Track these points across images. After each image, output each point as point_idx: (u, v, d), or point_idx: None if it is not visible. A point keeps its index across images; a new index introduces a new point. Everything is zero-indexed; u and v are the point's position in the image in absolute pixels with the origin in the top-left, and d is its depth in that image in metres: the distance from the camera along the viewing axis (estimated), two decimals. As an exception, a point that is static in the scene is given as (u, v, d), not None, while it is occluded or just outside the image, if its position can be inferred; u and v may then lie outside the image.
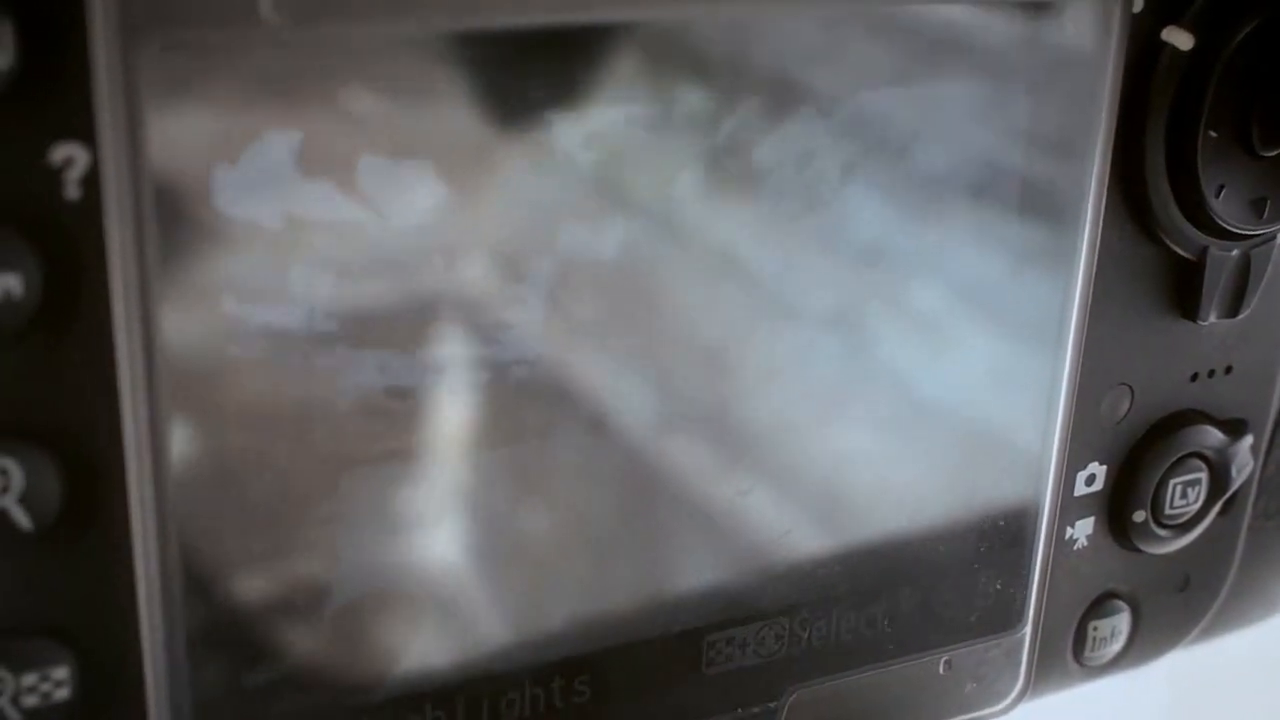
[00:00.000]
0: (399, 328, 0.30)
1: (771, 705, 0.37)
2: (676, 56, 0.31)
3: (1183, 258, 0.39)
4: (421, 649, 0.32)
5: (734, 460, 0.34)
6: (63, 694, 0.29)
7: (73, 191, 0.26)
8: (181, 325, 0.28)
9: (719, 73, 0.31)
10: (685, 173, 0.32)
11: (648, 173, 0.31)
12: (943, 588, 0.39)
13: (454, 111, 0.29)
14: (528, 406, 0.32)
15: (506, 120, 0.30)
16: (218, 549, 0.30)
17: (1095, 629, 0.43)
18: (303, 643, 0.31)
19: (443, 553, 0.32)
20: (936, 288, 0.35)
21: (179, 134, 0.27)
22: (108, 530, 0.28)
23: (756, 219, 0.33)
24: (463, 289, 0.30)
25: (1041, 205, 0.36)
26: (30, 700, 0.28)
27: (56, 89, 0.26)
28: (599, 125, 0.30)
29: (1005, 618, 0.40)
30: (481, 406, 0.31)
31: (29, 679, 0.28)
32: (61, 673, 0.29)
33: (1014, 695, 0.41)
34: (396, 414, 0.30)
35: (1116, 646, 0.43)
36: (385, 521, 0.31)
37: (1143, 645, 0.44)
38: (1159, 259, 0.39)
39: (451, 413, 0.31)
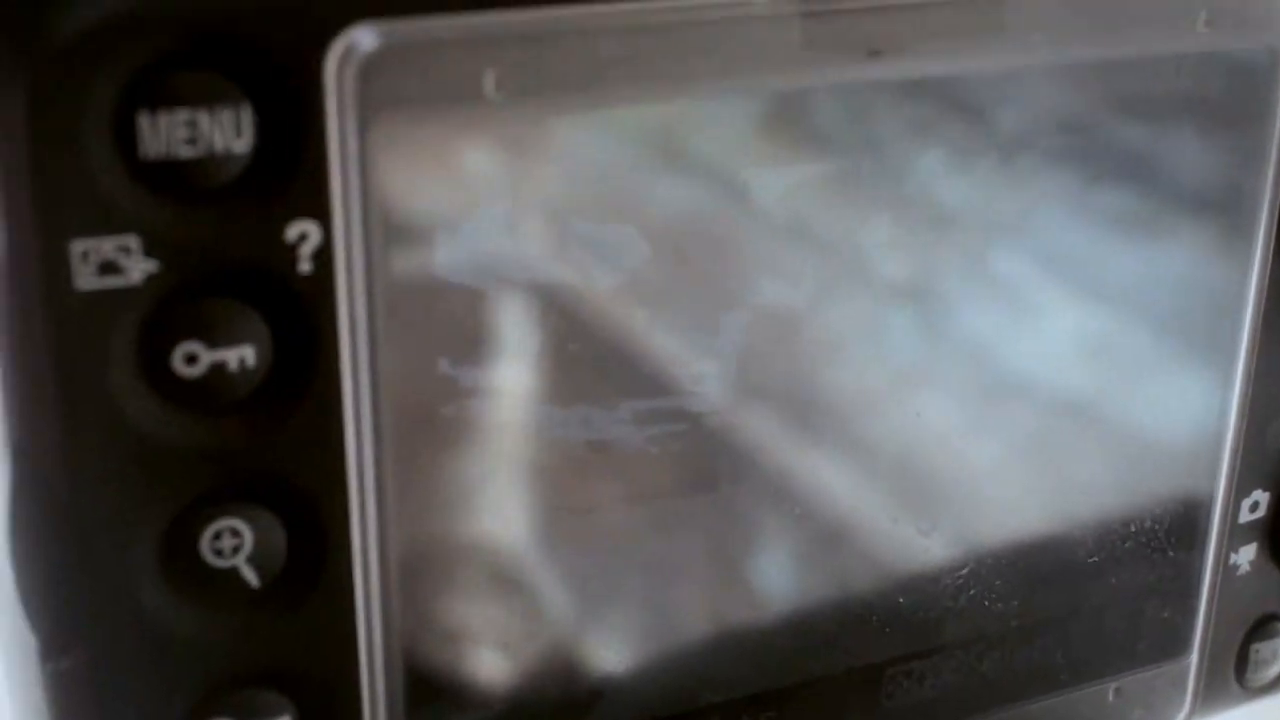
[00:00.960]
0: (602, 383, 0.31)
1: (949, 737, 0.38)
2: (872, 112, 0.31)
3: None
4: (618, 691, 0.33)
5: (919, 504, 0.35)
6: (287, 746, 0.30)
7: (305, 265, 0.27)
8: (403, 389, 0.28)
9: (912, 125, 0.32)
10: (873, 221, 0.32)
11: (838, 223, 0.32)
12: (1113, 617, 0.39)
13: (659, 177, 0.30)
14: (721, 454, 0.33)
15: (708, 180, 0.30)
16: (435, 603, 0.30)
17: (1257, 651, 0.43)
18: (512, 690, 0.32)
19: (639, 599, 0.33)
20: (1113, 318, 0.36)
21: (405, 208, 0.27)
22: (331, 587, 0.29)
23: (946, 263, 0.33)
24: (662, 342, 0.31)
25: (1216, 236, 0.36)
26: (256, 749, 0.29)
27: (291, 169, 0.26)
28: (797, 181, 0.31)
29: (1173, 645, 0.41)
30: (676, 456, 0.32)
31: None
32: None
33: (1180, 720, 0.42)
34: (597, 466, 0.31)
35: (1277, 668, 0.44)
36: (588, 570, 0.32)
37: (1303, 666, 0.44)
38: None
39: (647, 463, 0.32)
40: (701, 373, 0.31)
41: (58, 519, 0.27)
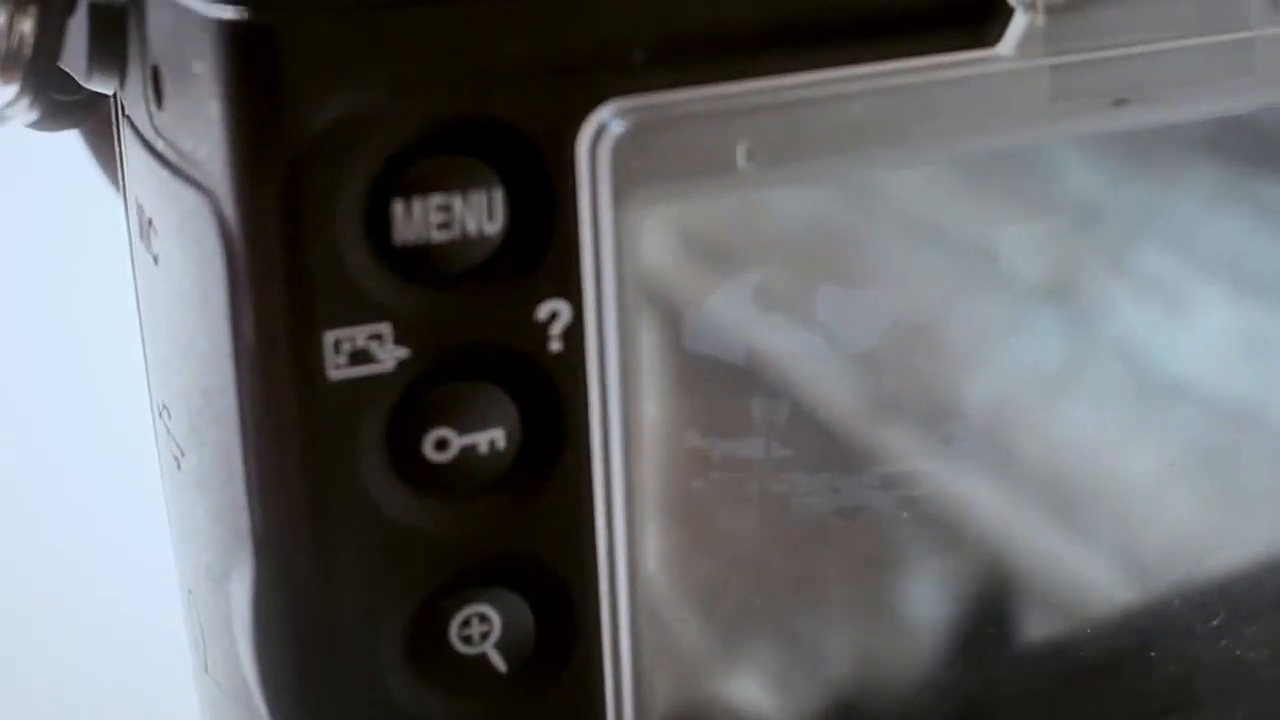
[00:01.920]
0: (850, 448, 0.30)
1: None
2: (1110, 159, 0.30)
3: None
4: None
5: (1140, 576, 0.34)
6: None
7: (555, 344, 0.26)
8: (653, 466, 0.28)
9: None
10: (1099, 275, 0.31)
11: (1074, 278, 0.31)
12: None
13: (902, 240, 0.29)
14: (965, 520, 0.31)
15: (955, 240, 0.29)
16: (684, 683, 0.30)
17: None
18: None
19: (886, 669, 0.32)
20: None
21: (655, 283, 0.27)
22: (580, 669, 0.29)
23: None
24: (912, 404, 0.30)
25: None
26: None
27: (542, 249, 0.26)
28: (1042, 236, 0.30)
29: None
30: (921, 519, 0.31)
31: None
32: None
33: None
34: (844, 533, 0.30)
35: None
36: (835, 641, 0.31)
37: None
38: None
39: (892, 527, 0.31)
40: (951, 432, 0.30)
41: (306, 613, 0.27)
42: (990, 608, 0.33)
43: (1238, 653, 0.35)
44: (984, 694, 0.34)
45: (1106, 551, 0.34)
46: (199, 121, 0.25)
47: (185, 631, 0.30)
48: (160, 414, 0.29)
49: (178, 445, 0.28)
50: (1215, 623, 0.35)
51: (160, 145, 0.26)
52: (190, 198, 0.25)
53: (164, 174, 0.26)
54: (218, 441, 0.26)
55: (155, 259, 0.27)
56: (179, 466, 0.29)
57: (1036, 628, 0.34)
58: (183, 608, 0.30)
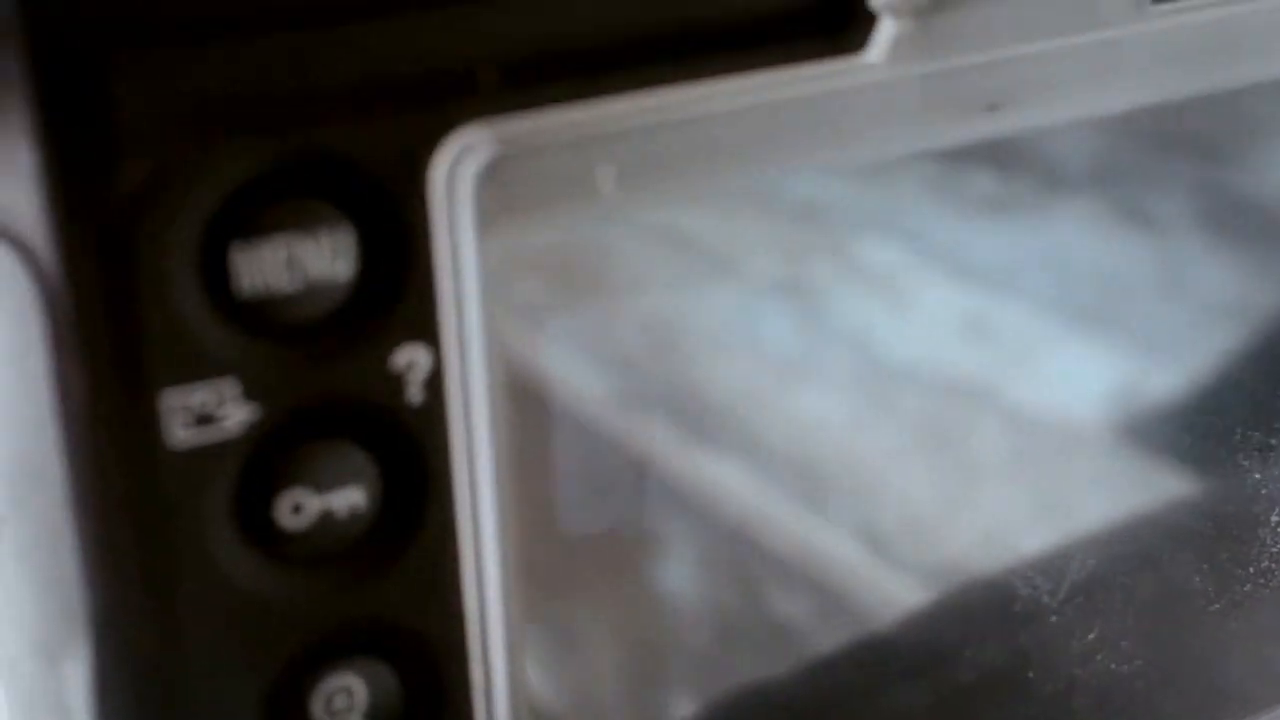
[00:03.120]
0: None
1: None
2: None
3: None
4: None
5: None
6: None
7: (415, 395, 0.24)
8: (523, 524, 0.26)
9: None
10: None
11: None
12: (1235, 665, 0.37)
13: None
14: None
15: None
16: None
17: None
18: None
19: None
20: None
21: (521, 322, 0.25)
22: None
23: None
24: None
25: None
26: None
27: (396, 291, 0.24)
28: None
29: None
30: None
31: None
32: None
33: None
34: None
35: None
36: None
37: None
38: None
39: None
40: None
41: (153, 697, 0.24)
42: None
43: (1112, 666, 0.34)
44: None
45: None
46: (8, 171, 0.22)
47: (7, 702, 0.28)
48: None
49: (-3, 511, 0.26)
50: (1091, 636, 0.34)
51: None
52: (2, 254, 0.23)
53: (-30, 230, 0.24)
54: (43, 512, 0.24)
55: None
56: (-1, 535, 0.26)
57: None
58: (1, 679, 0.28)
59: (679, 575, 0.29)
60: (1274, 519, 0.36)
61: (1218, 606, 0.36)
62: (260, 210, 0.23)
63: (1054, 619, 0.33)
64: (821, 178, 0.29)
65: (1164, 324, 0.34)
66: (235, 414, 0.23)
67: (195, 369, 0.23)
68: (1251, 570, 0.36)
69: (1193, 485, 0.35)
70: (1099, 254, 0.33)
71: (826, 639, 0.32)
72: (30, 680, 0.26)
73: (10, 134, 0.22)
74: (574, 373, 0.28)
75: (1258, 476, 0.35)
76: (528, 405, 0.25)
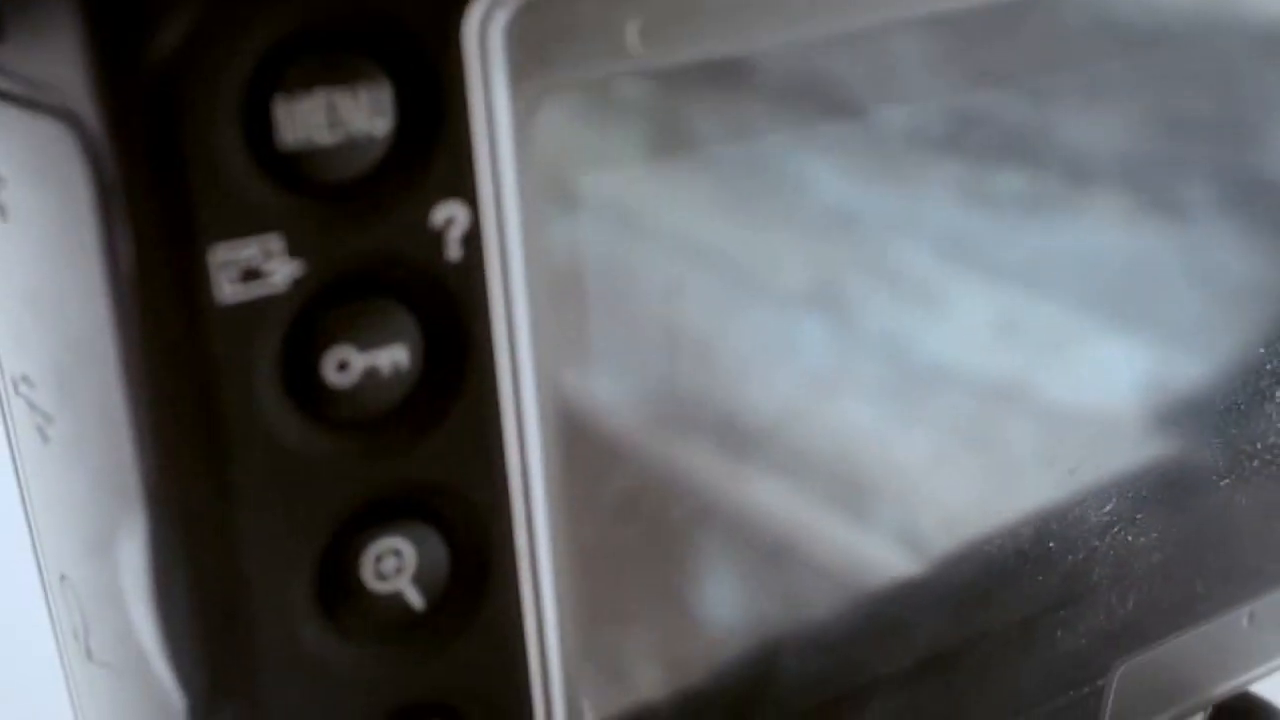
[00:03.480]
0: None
1: (1100, 683, 0.36)
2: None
3: None
4: (792, 675, 0.31)
5: (1062, 439, 0.33)
6: (456, 773, 0.27)
7: (454, 252, 0.25)
8: (568, 381, 0.26)
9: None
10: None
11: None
12: (1245, 540, 0.37)
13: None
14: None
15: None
16: (608, 616, 0.28)
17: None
18: (688, 693, 0.29)
19: (804, 579, 0.31)
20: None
21: (554, 178, 0.25)
22: (498, 601, 0.27)
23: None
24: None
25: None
26: (427, 780, 0.27)
27: (433, 147, 0.24)
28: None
29: (1300, 562, 0.39)
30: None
31: None
32: None
33: (1311, 639, 0.40)
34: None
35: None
36: (755, 551, 0.30)
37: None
38: None
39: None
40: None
41: (207, 563, 0.25)
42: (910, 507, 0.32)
43: (1129, 539, 0.35)
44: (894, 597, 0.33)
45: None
46: (51, 40, 0.23)
47: (56, 628, 0.28)
48: (16, 388, 0.27)
49: (43, 415, 0.26)
50: (1107, 509, 0.34)
51: (4, 84, 0.24)
52: (46, 128, 0.23)
53: (12, 112, 0.24)
54: (94, 396, 0.24)
55: (3, 213, 0.25)
56: (45, 439, 0.26)
57: (941, 525, 0.33)
58: (51, 603, 0.28)
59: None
60: (1279, 394, 0.37)
61: (1228, 481, 0.36)
62: (299, 65, 0.23)
63: (1071, 492, 0.34)
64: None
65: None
66: (281, 269, 0.23)
67: (242, 224, 0.23)
68: (1259, 446, 0.36)
69: (1201, 363, 0.36)
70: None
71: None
72: (82, 583, 0.27)
73: (52, 5, 0.22)
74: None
75: (1262, 351, 0.36)
76: (564, 275, 0.26)
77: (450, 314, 0.25)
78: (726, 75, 0.26)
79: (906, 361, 0.32)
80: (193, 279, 0.23)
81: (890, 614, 0.32)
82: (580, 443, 0.27)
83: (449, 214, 0.24)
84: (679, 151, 0.27)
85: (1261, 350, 0.36)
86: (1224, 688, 0.39)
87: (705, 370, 0.29)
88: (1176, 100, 0.33)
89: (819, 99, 0.29)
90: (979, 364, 0.33)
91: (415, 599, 0.26)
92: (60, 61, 0.23)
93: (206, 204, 0.23)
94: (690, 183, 0.28)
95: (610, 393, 0.27)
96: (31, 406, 0.26)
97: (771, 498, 0.31)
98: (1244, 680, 0.39)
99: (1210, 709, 0.40)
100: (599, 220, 0.26)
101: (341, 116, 0.23)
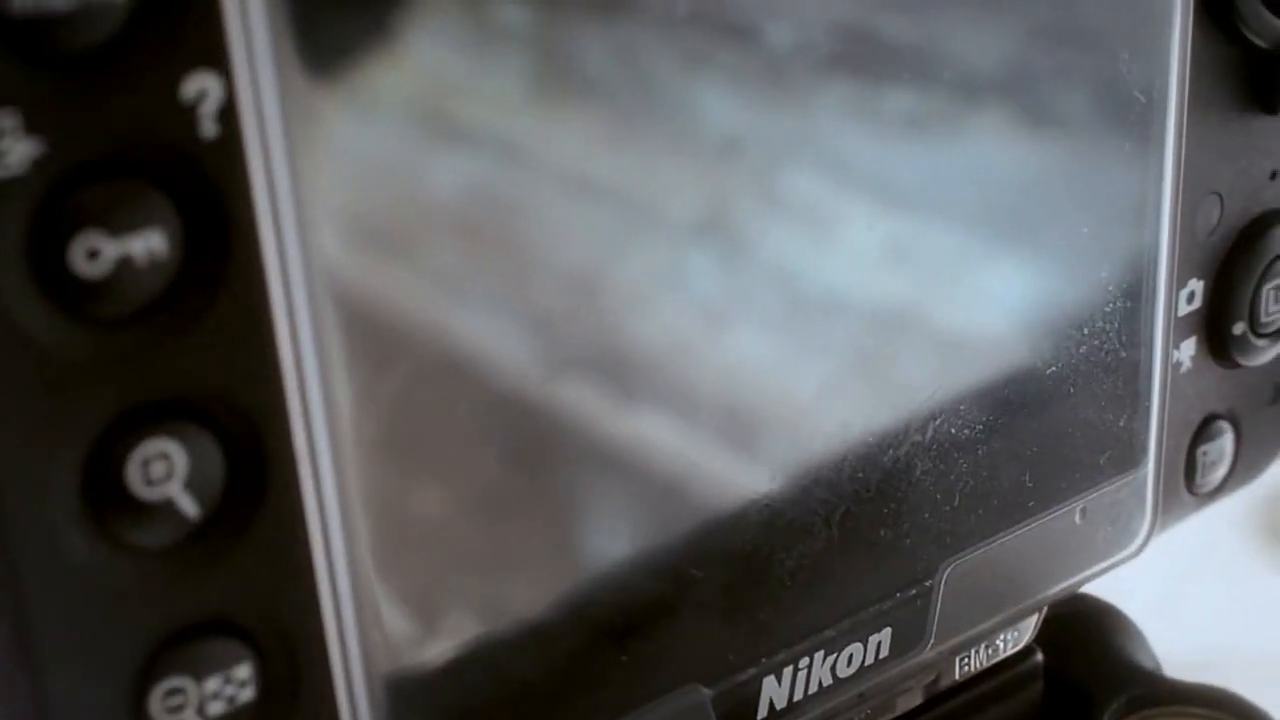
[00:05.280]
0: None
1: (927, 584, 0.35)
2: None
3: (1261, 50, 0.37)
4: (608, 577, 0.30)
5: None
6: (247, 694, 0.26)
7: (208, 128, 0.23)
8: (340, 264, 0.24)
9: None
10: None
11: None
12: (1074, 431, 0.37)
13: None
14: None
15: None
16: (400, 512, 0.26)
17: (1205, 454, 0.41)
18: (485, 613, 0.28)
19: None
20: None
21: (312, 41, 0.23)
22: (279, 507, 0.26)
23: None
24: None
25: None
26: (215, 707, 0.25)
27: (182, 13, 0.22)
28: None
29: (1131, 455, 0.38)
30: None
31: (212, 684, 0.25)
32: (244, 671, 0.26)
33: (1144, 535, 0.40)
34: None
35: (1223, 470, 0.42)
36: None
37: (1244, 465, 0.42)
38: (1236, 55, 0.37)
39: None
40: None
41: None
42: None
43: (953, 431, 0.34)
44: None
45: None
46: None
47: None
48: None
49: None
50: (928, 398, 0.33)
51: None
52: None
53: None
54: None
55: None
56: None
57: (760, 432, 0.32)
58: None
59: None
60: (1103, 276, 0.36)
61: (1054, 369, 0.35)
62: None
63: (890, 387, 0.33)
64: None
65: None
66: (17, 149, 0.22)
67: None
68: (1085, 331, 0.35)
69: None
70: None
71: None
72: None
73: None
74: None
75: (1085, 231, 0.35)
76: (332, 138, 0.24)
77: (209, 197, 0.24)
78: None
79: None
80: None
81: (711, 516, 0.31)
82: (358, 329, 0.25)
83: (201, 85, 0.23)
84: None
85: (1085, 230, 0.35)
86: (1057, 588, 0.38)
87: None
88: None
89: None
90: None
91: (188, 506, 0.24)
92: None
93: None
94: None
95: (398, 280, 0.26)
96: None
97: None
98: (1078, 580, 0.39)
99: (1044, 610, 0.39)
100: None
101: (74, -25, 0.21)
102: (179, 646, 0.25)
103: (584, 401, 0.29)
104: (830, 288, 0.32)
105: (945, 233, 0.32)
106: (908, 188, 0.32)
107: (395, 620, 0.27)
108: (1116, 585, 0.42)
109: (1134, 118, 0.35)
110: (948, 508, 0.34)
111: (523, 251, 0.27)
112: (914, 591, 0.35)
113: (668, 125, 0.29)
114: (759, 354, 0.31)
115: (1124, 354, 0.36)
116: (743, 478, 0.31)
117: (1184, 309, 0.38)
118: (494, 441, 0.28)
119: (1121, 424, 0.37)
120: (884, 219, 0.32)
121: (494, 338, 0.27)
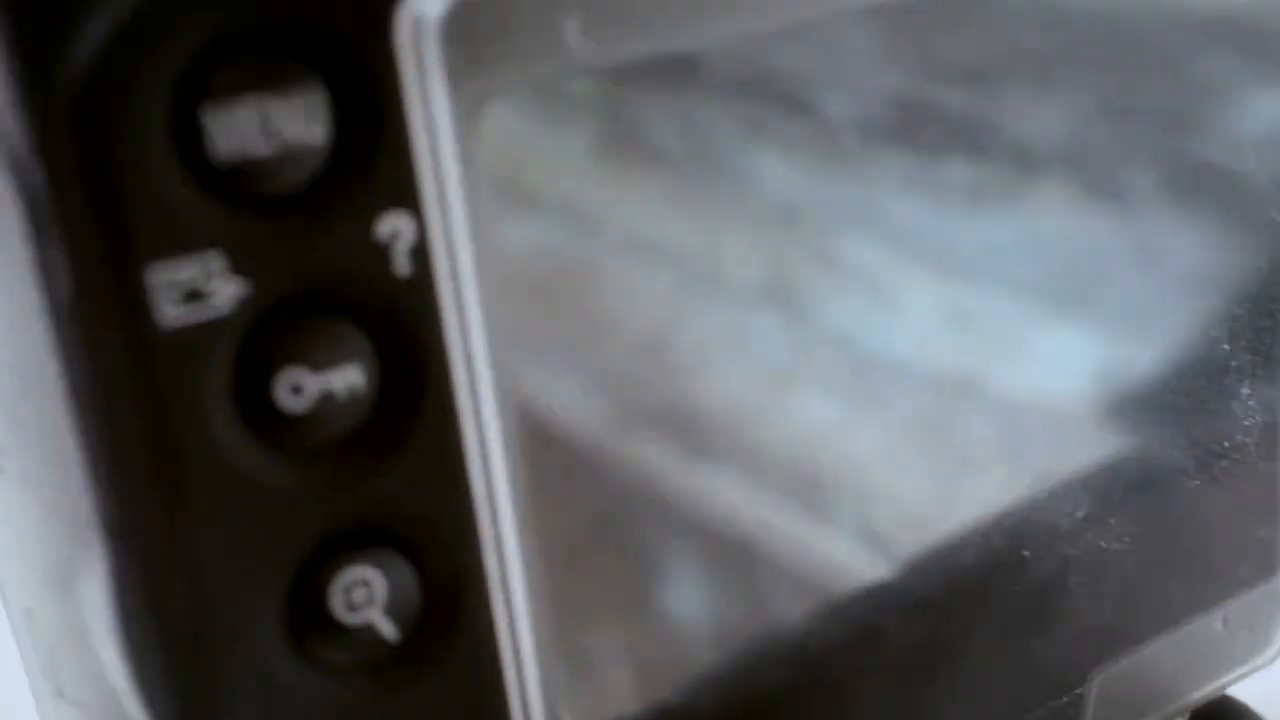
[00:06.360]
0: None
1: (1078, 691, 0.35)
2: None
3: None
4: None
5: (1018, 434, 0.33)
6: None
7: (402, 265, 0.24)
8: (522, 384, 0.25)
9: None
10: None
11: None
12: (1218, 541, 0.37)
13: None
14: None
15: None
16: (582, 630, 0.27)
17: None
18: (661, 706, 0.29)
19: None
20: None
21: (500, 183, 0.24)
22: (473, 629, 0.26)
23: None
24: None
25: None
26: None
27: (372, 155, 0.23)
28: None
29: (1268, 562, 0.38)
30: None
31: None
32: None
33: (1280, 639, 0.40)
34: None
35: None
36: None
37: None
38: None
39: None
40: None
41: (172, 598, 0.24)
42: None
43: (1102, 544, 0.34)
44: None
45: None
46: None
47: (26, 663, 0.27)
48: None
49: (-5, 444, 0.25)
50: (1080, 515, 0.34)
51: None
52: None
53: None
54: (42, 425, 0.23)
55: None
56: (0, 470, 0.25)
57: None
58: (19, 639, 0.27)
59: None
60: (1244, 392, 0.36)
61: (1198, 482, 0.36)
62: (225, 70, 0.22)
63: (1044, 499, 0.33)
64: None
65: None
66: (224, 289, 0.23)
67: (179, 242, 0.22)
68: (1226, 445, 0.36)
69: (1157, 355, 0.35)
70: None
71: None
72: (48, 619, 0.26)
73: None
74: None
75: (1226, 348, 0.36)
76: (517, 282, 0.25)
77: (403, 331, 0.24)
78: (672, 71, 0.26)
79: (860, 356, 0.31)
80: (131, 302, 0.22)
81: (860, 621, 0.31)
82: (545, 455, 0.26)
83: (394, 226, 0.24)
84: (627, 149, 0.26)
85: (1225, 346, 0.35)
86: (1201, 692, 0.38)
87: (661, 369, 0.28)
88: (1121, 88, 0.33)
89: (766, 92, 0.28)
90: (932, 357, 0.32)
91: (388, 630, 0.25)
92: None
93: (140, 221, 0.22)
94: (640, 180, 0.27)
95: (572, 400, 0.27)
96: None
97: (732, 496, 0.30)
98: (1221, 684, 0.39)
99: (1188, 714, 0.39)
100: (549, 223, 0.25)
101: (276, 125, 0.23)
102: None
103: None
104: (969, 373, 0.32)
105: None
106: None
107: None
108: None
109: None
110: (1098, 617, 0.35)
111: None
112: (1065, 700, 0.35)
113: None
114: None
115: (1261, 466, 0.37)
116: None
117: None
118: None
119: (1260, 534, 0.38)
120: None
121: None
